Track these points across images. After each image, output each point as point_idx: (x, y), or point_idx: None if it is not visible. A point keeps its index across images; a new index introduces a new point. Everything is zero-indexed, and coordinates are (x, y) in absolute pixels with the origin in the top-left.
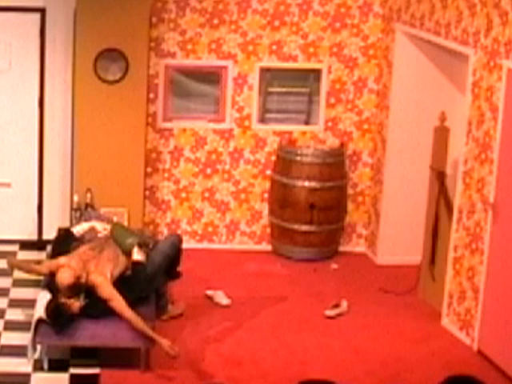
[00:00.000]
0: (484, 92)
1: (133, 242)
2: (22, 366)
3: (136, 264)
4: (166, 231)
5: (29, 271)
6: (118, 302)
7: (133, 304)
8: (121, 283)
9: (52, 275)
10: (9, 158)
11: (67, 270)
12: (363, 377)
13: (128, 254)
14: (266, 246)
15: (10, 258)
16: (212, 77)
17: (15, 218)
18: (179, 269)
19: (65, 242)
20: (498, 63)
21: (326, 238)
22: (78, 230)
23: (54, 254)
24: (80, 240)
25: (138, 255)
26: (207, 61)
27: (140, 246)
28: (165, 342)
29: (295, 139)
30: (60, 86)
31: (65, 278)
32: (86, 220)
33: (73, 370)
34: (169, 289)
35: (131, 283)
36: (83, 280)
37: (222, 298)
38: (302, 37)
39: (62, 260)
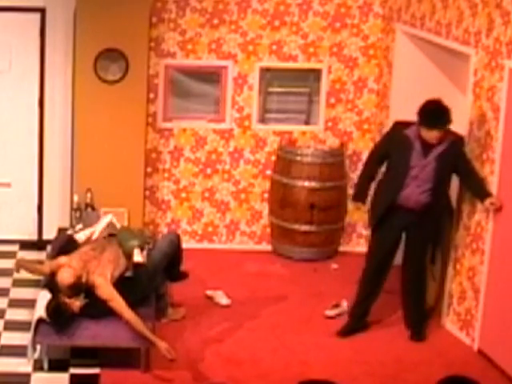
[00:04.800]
0: (485, 92)
1: (133, 244)
2: (21, 365)
3: (137, 266)
4: (166, 231)
5: (33, 271)
6: (118, 303)
7: (133, 305)
8: (122, 284)
9: (53, 275)
10: (9, 158)
11: (68, 269)
12: (363, 377)
13: (128, 255)
14: (265, 246)
15: (18, 260)
16: (212, 77)
17: (15, 218)
18: (183, 269)
19: (66, 248)
20: (499, 63)
21: (326, 238)
22: (81, 236)
23: (54, 256)
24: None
25: (138, 257)
26: (207, 61)
27: (141, 248)
28: (163, 345)
29: (295, 139)
30: (60, 86)
31: (65, 277)
32: (88, 226)
33: (73, 370)
34: (169, 290)
35: (133, 285)
36: (83, 280)
37: (222, 298)
38: (302, 37)
39: (62, 259)
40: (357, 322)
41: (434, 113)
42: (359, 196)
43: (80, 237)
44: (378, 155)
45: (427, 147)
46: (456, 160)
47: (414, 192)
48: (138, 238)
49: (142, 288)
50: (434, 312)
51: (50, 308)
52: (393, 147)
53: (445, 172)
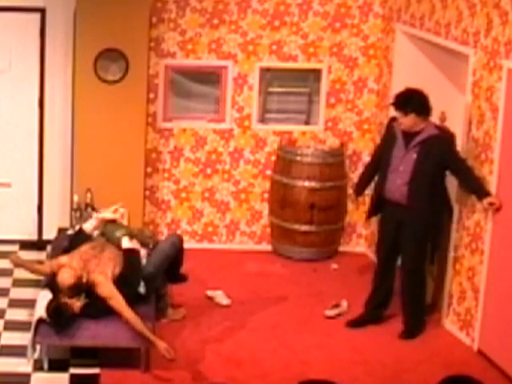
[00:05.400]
0: (484, 92)
1: (120, 234)
2: (21, 365)
3: (127, 252)
4: (166, 231)
5: (32, 271)
6: (118, 301)
7: (132, 301)
8: (119, 280)
9: (54, 275)
10: (9, 158)
11: (68, 270)
12: (363, 377)
13: (120, 248)
14: (265, 246)
15: (15, 256)
16: (212, 77)
17: (15, 218)
18: (183, 271)
19: (77, 240)
20: (498, 63)
21: (326, 238)
22: (88, 226)
23: (64, 251)
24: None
25: (127, 243)
26: (207, 61)
27: (130, 236)
28: (162, 345)
29: (295, 139)
30: (60, 86)
31: (66, 278)
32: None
33: (73, 370)
34: (169, 291)
35: (127, 275)
36: (84, 280)
37: (222, 298)
38: (302, 37)
39: (63, 259)
40: (369, 314)
41: (400, 96)
42: (356, 190)
43: (87, 226)
44: (377, 153)
45: (409, 138)
46: (443, 157)
47: (396, 184)
48: (122, 228)
49: (136, 276)
50: (431, 309)
51: (51, 308)
52: (384, 141)
53: (427, 166)
